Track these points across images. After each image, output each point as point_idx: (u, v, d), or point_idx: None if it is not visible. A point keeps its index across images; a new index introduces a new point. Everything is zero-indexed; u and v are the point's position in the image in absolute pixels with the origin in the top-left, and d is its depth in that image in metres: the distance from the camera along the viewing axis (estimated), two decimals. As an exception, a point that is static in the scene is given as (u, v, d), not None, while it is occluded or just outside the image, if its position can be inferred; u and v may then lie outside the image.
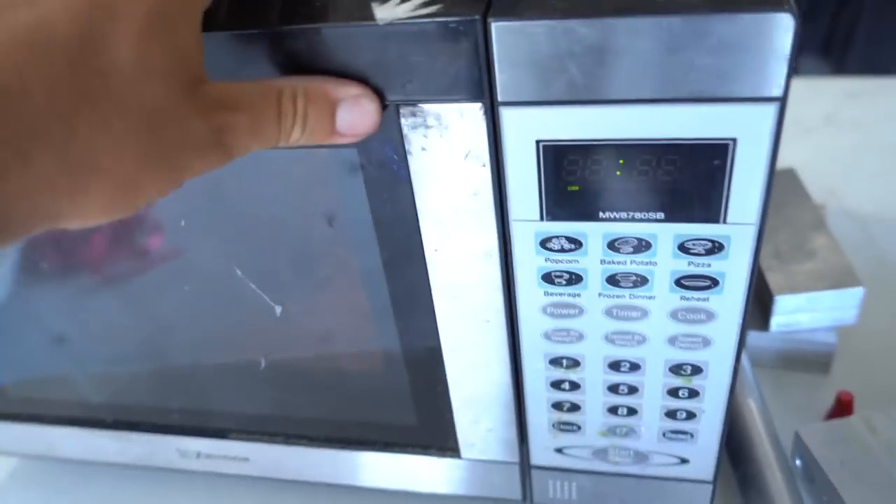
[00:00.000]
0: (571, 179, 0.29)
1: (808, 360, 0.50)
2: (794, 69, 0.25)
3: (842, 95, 0.79)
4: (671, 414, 0.37)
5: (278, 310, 0.38)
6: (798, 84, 0.91)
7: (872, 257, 0.59)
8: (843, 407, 0.46)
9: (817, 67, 1.33)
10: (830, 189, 0.65)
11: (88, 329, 0.43)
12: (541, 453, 0.40)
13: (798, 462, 0.44)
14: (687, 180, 0.28)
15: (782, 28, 0.24)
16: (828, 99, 0.78)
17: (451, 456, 0.42)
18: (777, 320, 0.49)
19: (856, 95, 0.78)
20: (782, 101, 0.26)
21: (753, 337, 0.50)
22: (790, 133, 0.79)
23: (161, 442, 0.47)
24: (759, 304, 0.50)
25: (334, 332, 0.39)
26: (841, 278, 0.48)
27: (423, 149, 0.30)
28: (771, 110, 0.26)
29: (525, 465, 0.42)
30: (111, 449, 0.49)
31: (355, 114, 0.27)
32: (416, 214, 0.32)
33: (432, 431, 0.42)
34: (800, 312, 0.49)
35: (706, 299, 0.32)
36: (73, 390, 0.47)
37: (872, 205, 0.64)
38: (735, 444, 0.44)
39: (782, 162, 0.58)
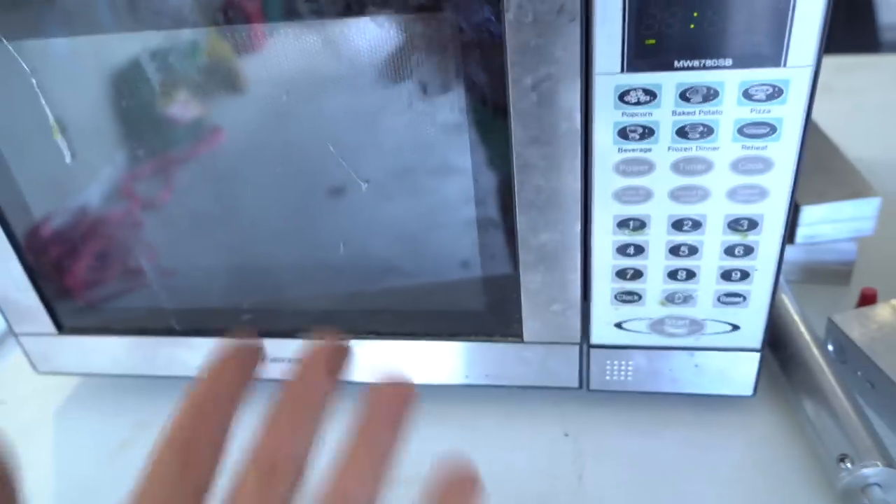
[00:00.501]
0: (650, 33, 0.33)
1: (830, 271, 0.54)
2: None
3: (833, 70, 0.85)
4: (726, 275, 0.40)
5: (364, 186, 0.41)
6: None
7: (887, 186, 0.64)
8: (867, 300, 0.49)
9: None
10: (837, 142, 0.71)
11: (163, 230, 0.46)
12: (601, 329, 0.44)
13: (830, 347, 0.48)
14: (753, 24, 0.32)
15: None
16: (822, 74, 0.84)
17: (514, 341, 0.45)
18: (802, 231, 0.53)
19: (845, 70, 0.85)
20: (839, -56, 0.30)
21: (779, 250, 0.54)
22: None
23: (230, 345, 0.49)
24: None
25: (412, 208, 0.42)
26: (859, 190, 0.52)
27: (520, 6, 0.33)
28: (830, -48, 0.30)
29: (585, 346, 0.45)
30: (177, 359, 0.51)
31: None
32: (507, 74, 0.35)
33: (498, 315, 0.44)
34: (822, 223, 0.53)
35: (765, 147, 0.36)
36: (144, 298, 0.49)
37: (873, 152, 0.69)
38: (775, 333, 0.48)
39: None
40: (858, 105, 0.77)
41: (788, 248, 0.54)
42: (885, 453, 0.39)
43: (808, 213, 0.52)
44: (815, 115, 0.71)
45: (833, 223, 0.53)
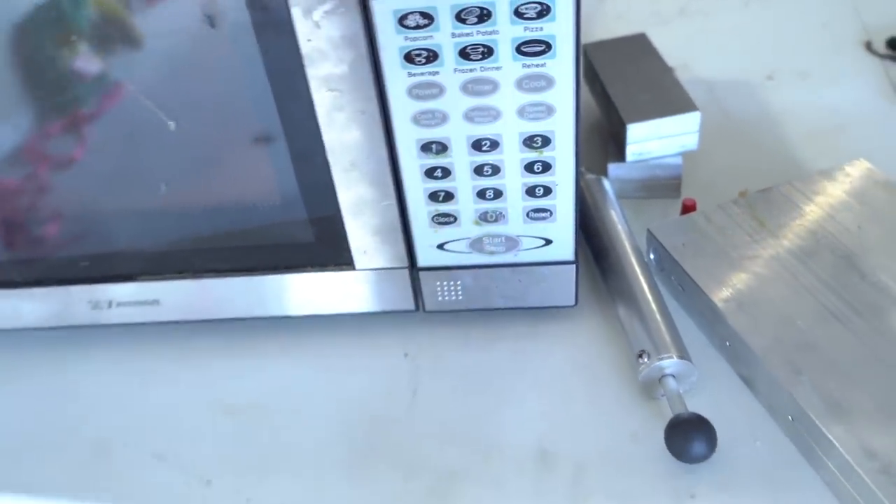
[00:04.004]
0: (419, -44, 0.34)
1: (660, 185, 0.57)
2: None
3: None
4: (531, 192, 0.42)
5: (172, 125, 0.41)
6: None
7: (718, 111, 0.67)
8: (687, 210, 0.53)
9: None
10: (683, 63, 0.73)
11: (-9, 181, 0.45)
12: (425, 252, 0.45)
13: (652, 256, 0.51)
14: (511, -59, 0.33)
15: None
16: (681, -3, 0.87)
17: (347, 269, 0.47)
18: (631, 149, 0.55)
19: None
20: None
21: (614, 169, 0.57)
22: (651, 22, 0.87)
23: (72, 294, 0.49)
24: (616, 142, 0.57)
25: (226, 148, 0.43)
26: (682, 106, 0.55)
27: (288, -68, 0.34)
28: None
29: (413, 270, 0.47)
30: (22, 310, 0.51)
31: None
32: (288, 5, 0.36)
33: (327, 245, 0.46)
34: (649, 140, 0.55)
35: (543, 64, 0.37)
36: (-20, 253, 0.49)
37: (717, 72, 0.72)
38: (599, 245, 0.50)
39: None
40: (709, 28, 0.79)
41: (621, 166, 0.57)
42: (680, 347, 0.42)
43: (634, 130, 0.55)
44: (669, 39, 0.74)
45: (659, 139, 0.56)
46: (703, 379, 0.43)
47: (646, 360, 0.42)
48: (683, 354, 0.42)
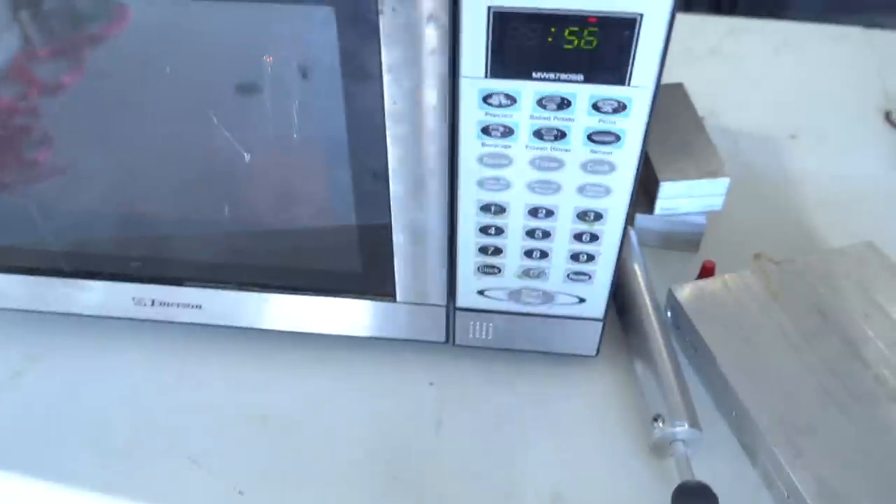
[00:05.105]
0: (513, 43, 0.36)
1: (682, 239, 0.60)
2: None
3: (724, 32, 0.89)
4: (575, 257, 0.45)
5: (247, 157, 0.43)
6: (691, 20, 1.02)
7: (740, 164, 0.70)
8: (706, 272, 0.56)
9: (709, 10, 1.46)
10: (710, 109, 0.76)
11: (56, 180, 0.47)
12: (465, 296, 0.48)
13: (669, 313, 0.54)
14: (603, 47, 0.35)
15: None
16: (714, 34, 0.88)
17: (388, 300, 0.49)
18: (661, 204, 0.58)
19: (736, 32, 0.89)
20: (679, -14, 0.33)
21: (641, 219, 0.60)
22: (682, 60, 0.89)
23: (118, 289, 0.51)
24: (647, 192, 0.60)
25: (295, 182, 0.45)
26: (713, 170, 0.58)
27: (394, 9, 0.35)
28: (670, -8, 0.34)
29: (451, 308, 0.49)
30: (66, 298, 0.53)
31: None
32: (381, 69, 0.38)
33: (374, 276, 0.48)
34: (679, 198, 0.58)
35: (610, 153, 0.40)
36: (33, 238, 0.50)
37: (743, 123, 0.74)
38: (622, 299, 0.54)
39: (674, 80, 0.67)
40: (738, 73, 0.82)
41: (648, 218, 0.60)
42: (693, 415, 0.46)
43: (667, 189, 0.57)
44: (698, 78, 0.76)
45: (688, 198, 0.58)
46: (709, 441, 0.47)
47: (660, 424, 0.46)
48: (695, 423, 0.46)
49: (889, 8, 1.06)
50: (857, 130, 0.74)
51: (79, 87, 0.42)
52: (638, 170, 0.40)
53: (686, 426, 0.45)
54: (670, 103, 0.65)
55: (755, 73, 0.82)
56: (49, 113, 0.43)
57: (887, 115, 0.74)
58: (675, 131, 0.62)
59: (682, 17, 0.34)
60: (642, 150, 0.39)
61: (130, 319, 0.53)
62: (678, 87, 0.67)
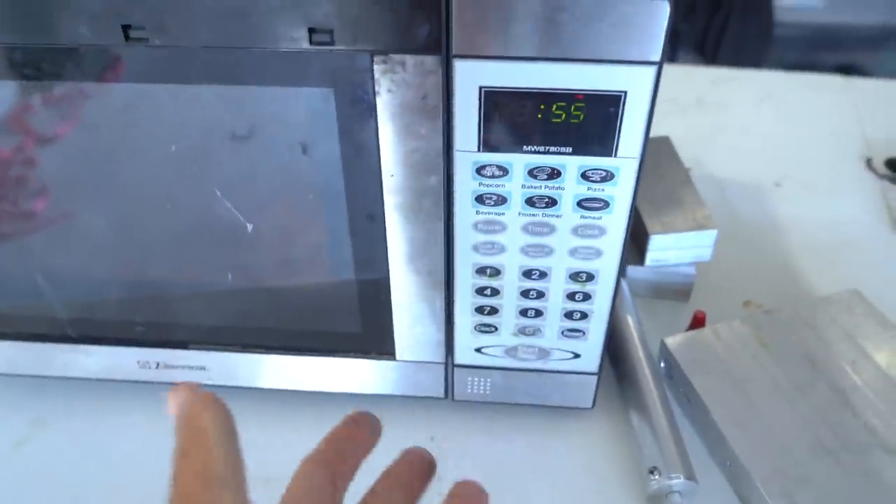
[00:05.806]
0: (503, 119, 0.38)
1: (673, 290, 0.62)
2: (669, 43, 0.35)
3: (709, 82, 0.92)
4: (569, 315, 0.46)
5: (249, 227, 0.45)
6: (676, 71, 1.06)
7: (727, 213, 0.72)
8: (698, 322, 0.57)
9: (693, 59, 1.51)
10: (696, 158, 0.78)
11: (62, 247, 0.48)
12: (463, 353, 0.49)
13: (662, 364, 0.55)
14: (590, 121, 0.37)
15: (661, 11, 0.34)
16: (699, 84, 0.91)
17: (388, 359, 0.51)
18: (651, 256, 0.60)
19: (720, 83, 0.92)
20: (660, 65, 0.35)
21: (632, 270, 0.61)
22: (668, 110, 0.92)
23: (123, 353, 0.52)
24: (637, 244, 0.61)
25: (297, 250, 0.46)
26: (701, 222, 0.60)
27: (390, 90, 0.37)
28: (652, 71, 0.36)
29: (449, 365, 0.50)
30: (71, 363, 0.54)
31: None
32: (378, 145, 0.39)
33: (373, 337, 0.49)
34: (668, 249, 0.60)
35: (599, 218, 0.41)
36: (40, 306, 0.51)
37: (728, 172, 0.77)
38: (615, 350, 0.55)
39: (660, 132, 0.70)
40: (722, 123, 0.84)
41: (639, 269, 0.62)
42: (688, 467, 0.47)
43: (657, 241, 0.59)
44: (684, 128, 0.78)
45: (677, 250, 0.60)
46: (705, 491, 0.48)
47: (656, 476, 0.47)
48: (691, 475, 0.47)
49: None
50: (840, 177, 0.76)
51: (73, 139, 0.43)
52: (627, 232, 0.42)
53: (682, 478, 0.46)
54: (657, 157, 0.67)
55: (739, 122, 0.84)
56: (45, 163, 0.44)
57: (868, 162, 0.77)
58: (663, 184, 0.64)
59: (667, 69, 0.36)
60: (630, 215, 0.41)
61: (135, 382, 0.54)
62: (664, 141, 0.69)
